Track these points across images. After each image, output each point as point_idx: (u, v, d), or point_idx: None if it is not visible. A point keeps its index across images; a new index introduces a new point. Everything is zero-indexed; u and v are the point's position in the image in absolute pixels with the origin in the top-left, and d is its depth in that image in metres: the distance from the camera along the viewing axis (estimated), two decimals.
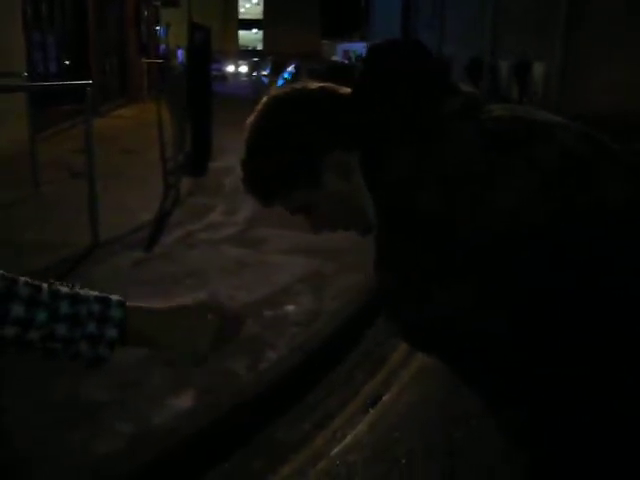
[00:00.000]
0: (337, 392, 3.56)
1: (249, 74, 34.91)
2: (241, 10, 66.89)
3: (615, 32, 16.66)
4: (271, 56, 28.49)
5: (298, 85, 1.45)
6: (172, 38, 26.52)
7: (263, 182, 1.44)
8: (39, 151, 7.10)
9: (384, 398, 3.51)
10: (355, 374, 3.76)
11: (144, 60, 19.59)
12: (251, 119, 1.47)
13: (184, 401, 3.14)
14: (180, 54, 24.91)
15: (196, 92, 8.71)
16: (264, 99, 1.49)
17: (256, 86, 22.23)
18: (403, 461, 3.00)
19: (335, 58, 45.36)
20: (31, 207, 6.40)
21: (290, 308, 4.28)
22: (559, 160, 1.17)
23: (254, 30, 67.21)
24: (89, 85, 5.45)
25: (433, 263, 1.19)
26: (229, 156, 9.76)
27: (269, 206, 1.49)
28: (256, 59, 39.75)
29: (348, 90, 1.40)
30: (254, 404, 3.28)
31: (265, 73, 21.56)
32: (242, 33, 67.30)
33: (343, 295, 4.49)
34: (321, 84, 1.43)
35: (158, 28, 26.60)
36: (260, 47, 64.48)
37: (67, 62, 14.55)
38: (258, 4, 66.35)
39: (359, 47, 41.13)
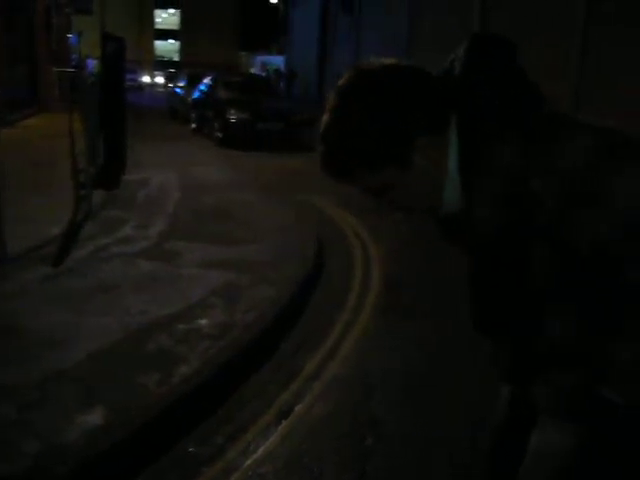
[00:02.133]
0: (250, 405, 3.57)
1: (165, 85, 34.47)
2: (157, 20, 66.05)
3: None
4: (187, 67, 28.26)
5: (393, 62, 1.43)
6: (85, 47, 26.00)
7: (352, 160, 1.42)
8: None
9: (296, 409, 3.55)
10: (268, 386, 3.78)
11: (55, 69, 19.11)
12: (346, 91, 1.42)
13: (94, 418, 3.09)
14: (90, 64, 24.41)
15: (109, 103, 8.55)
16: (366, 66, 1.44)
17: (171, 98, 22.02)
18: (315, 470, 3.05)
19: (253, 70, 45.41)
20: None
21: (203, 321, 4.27)
22: None
23: (171, 40, 66.48)
24: None
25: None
26: (143, 169, 9.67)
27: (349, 183, 1.47)
28: (172, 70, 39.37)
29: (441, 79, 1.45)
30: (166, 419, 3.26)
31: (181, 85, 21.28)
32: (158, 43, 66.53)
33: (257, 307, 4.52)
34: (413, 66, 1.44)
35: (70, 36, 26.03)
36: (177, 58, 63.85)
37: None
38: (174, 15, 65.66)
39: (277, 60, 41.29)
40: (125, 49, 9.02)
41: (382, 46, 25.64)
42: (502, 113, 1.39)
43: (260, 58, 49.17)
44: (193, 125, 17.14)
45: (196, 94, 17.44)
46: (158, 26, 65.58)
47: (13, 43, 16.02)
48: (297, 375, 3.91)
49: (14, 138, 10.54)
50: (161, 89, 38.31)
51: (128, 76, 43.97)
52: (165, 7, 65.64)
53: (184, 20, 62.64)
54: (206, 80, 17.45)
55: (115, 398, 3.27)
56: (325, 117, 1.44)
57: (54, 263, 5.17)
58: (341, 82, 1.43)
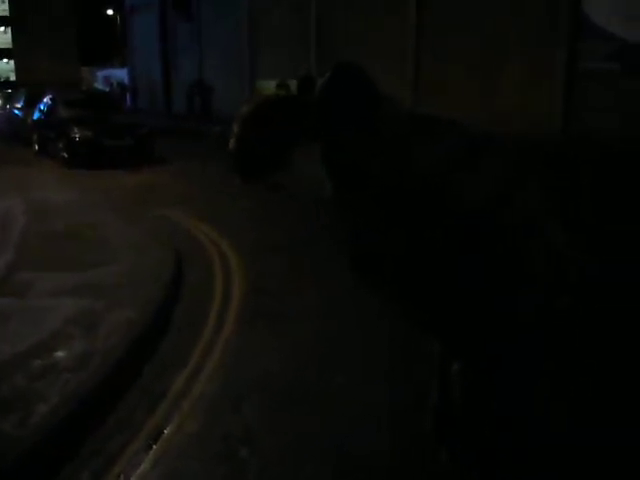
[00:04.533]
0: (117, 434, 3.47)
1: (3, 107, 32.73)
2: None
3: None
4: (24, 87, 26.93)
5: (277, 95, 2.26)
6: None
7: (251, 163, 2.16)
8: None
9: (166, 432, 3.48)
10: (135, 412, 3.68)
11: None
12: (246, 112, 2.18)
13: None
14: None
15: None
16: (257, 100, 2.28)
17: (10, 120, 20.89)
18: None
19: (97, 85, 44.00)
20: None
21: (61, 354, 4.09)
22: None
23: (5, 60, 63.14)
24: None
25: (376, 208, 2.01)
26: None
27: (251, 183, 2.23)
28: (9, 90, 37.42)
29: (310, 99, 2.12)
30: (28, 462, 3.10)
31: (19, 106, 20.23)
32: None
33: (116, 333, 4.38)
34: (292, 96, 2.18)
35: None
36: (13, 78, 60.75)
37: None
38: (5, 32, 62.43)
39: (120, 73, 40.13)
40: None
41: (225, 49, 25.64)
42: (350, 119, 2.05)
43: (103, 72, 47.68)
44: (36, 147, 16.37)
45: (36, 114, 16.64)
46: None
47: None
48: (164, 397, 3.83)
49: None
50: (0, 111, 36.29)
51: None
52: None
53: (16, 38, 59.61)
54: (45, 99, 16.69)
55: None
56: (232, 141, 2.20)
57: None
58: (240, 113, 2.19)
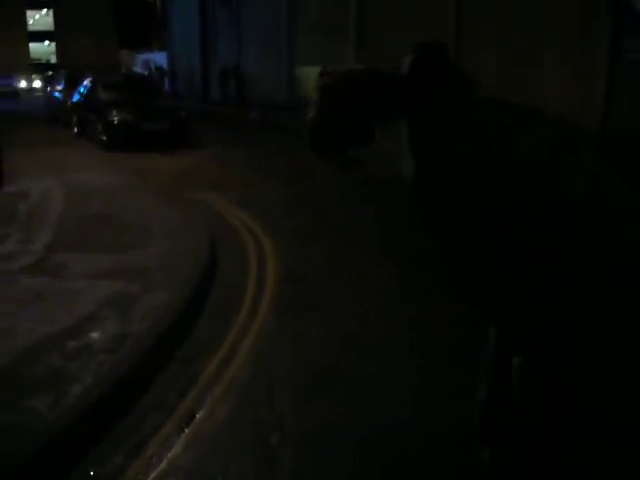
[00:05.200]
0: (150, 417, 3.48)
1: (44, 89, 33.12)
2: (30, 22, 63.18)
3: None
4: (65, 70, 27.21)
5: (358, 67, 2.06)
6: None
7: (329, 138, 2.01)
8: None
9: (197, 416, 3.49)
10: (167, 395, 3.70)
11: None
12: (328, 83, 2.01)
13: None
14: None
15: None
16: (340, 71, 2.04)
17: (50, 102, 21.16)
18: (219, 478, 3.01)
19: (135, 69, 44.28)
20: None
21: (95, 336, 4.13)
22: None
23: (46, 42, 63.87)
24: None
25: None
26: (23, 179, 9.26)
27: (329, 159, 2.07)
28: (50, 73, 37.92)
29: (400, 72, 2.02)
30: (60, 442, 3.13)
31: (59, 88, 20.45)
32: (33, 46, 63.69)
33: (150, 316, 4.40)
34: (371, 69, 2.03)
35: None
36: (54, 60, 61.45)
37: None
38: (48, 15, 63.10)
39: (159, 57, 40.31)
40: None
41: (263, 35, 25.61)
42: (438, 101, 1.96)
43: (142, 56, 47.96)
44: (75, 129, 16.56)
45: (76, 97, 16.84)
46: (31, 28, 62.75)
47: None
48: (196, 381, 3.84)
49: None
50: (40, 93, 36.75)
51: (2, 82, 41.98)
52: (37, 7, 62.96)
53: (58, 21, 60.19)
54: (85, 82, 16.85)
55: (3, 425, 3.11)
56: (312, 111, 2.00)
57: None
58: (322, 82, 2.01)
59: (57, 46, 61.36)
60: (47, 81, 29.80)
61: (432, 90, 1.99)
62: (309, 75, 20.41)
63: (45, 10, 63.16)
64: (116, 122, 13.99)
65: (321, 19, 21.73)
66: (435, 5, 16.29)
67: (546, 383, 1.97)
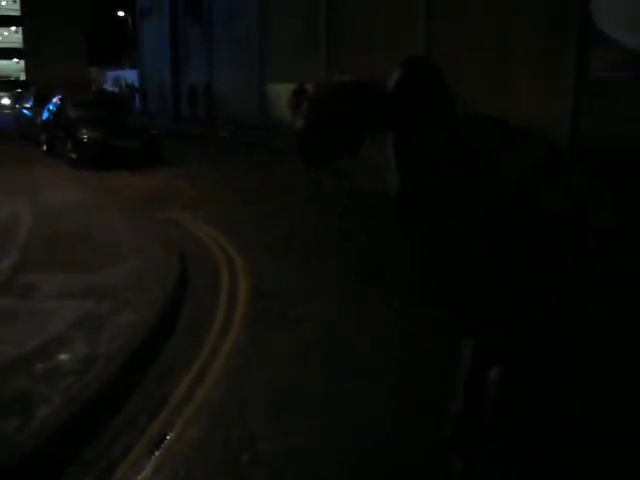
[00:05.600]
0: (120, 439, 3.43)
1: (12, 106, 32.81)
2: None
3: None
4: (34, 87, 26.96)
5: (349, 78, 2.08)
6: None
7: (317, 148, 2.02)
8: None
9: (168, 437, 3.45)
10: (138, 417, 3.65)
11: None
12: (317, 94, 2.04)
13: None
14: None
15: None
16: (330, 82, 2.12)
17: (19, 120, 20.96)
18: None
19: (106, 86, 44.10)
20: None
21: (64, 357, 4.06)
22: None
23: (15, 60, 63.39)
24: None
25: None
26: None
27: (318, 168, 2.06)
28: (19, 90, 37.57)
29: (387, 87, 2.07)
30: (29, 466, 3.06)
31: (28, 105, 20.27)
32: (2, 63, 63.26)
33: (120, 336, 4.34)
34: (368, 81, 2.07)
35: None
36: (24, 77, 61.00)
37: None
38: (17, 32, 62.68)
39: (130, 75, 40.20)
40: None
41: (235, 53, 25.68)
42: (423, 114, 2.02)
43: (112, 73, 47.78)
44: (44, 147, 16.40)
45: (45, 115, 16.70)
46: (0, 45, 62.26)
47: None
48: (167, 402, 3.80)
49: None
50: (8, 111, 36.39)
51: None
52: (6, 25, 62.47)
53: (27, 38, 59.81)
54: (54, 99, 16.73)
55: None
56: (301, 121, 2.01)
57: None
58: (311, 95, 2.02)
59: (26, 63, 60.95)
60: (16, 98, 29.54)
61: (418, 104, 2.05)
62: (281, 93, 20.49)
63: (14, 27, 62.74)
64: (86, 140, 13.88)
65: (293, 37, 21.87)
66: (405, 24, 16.51)
67: (527, 394, 2.01)
